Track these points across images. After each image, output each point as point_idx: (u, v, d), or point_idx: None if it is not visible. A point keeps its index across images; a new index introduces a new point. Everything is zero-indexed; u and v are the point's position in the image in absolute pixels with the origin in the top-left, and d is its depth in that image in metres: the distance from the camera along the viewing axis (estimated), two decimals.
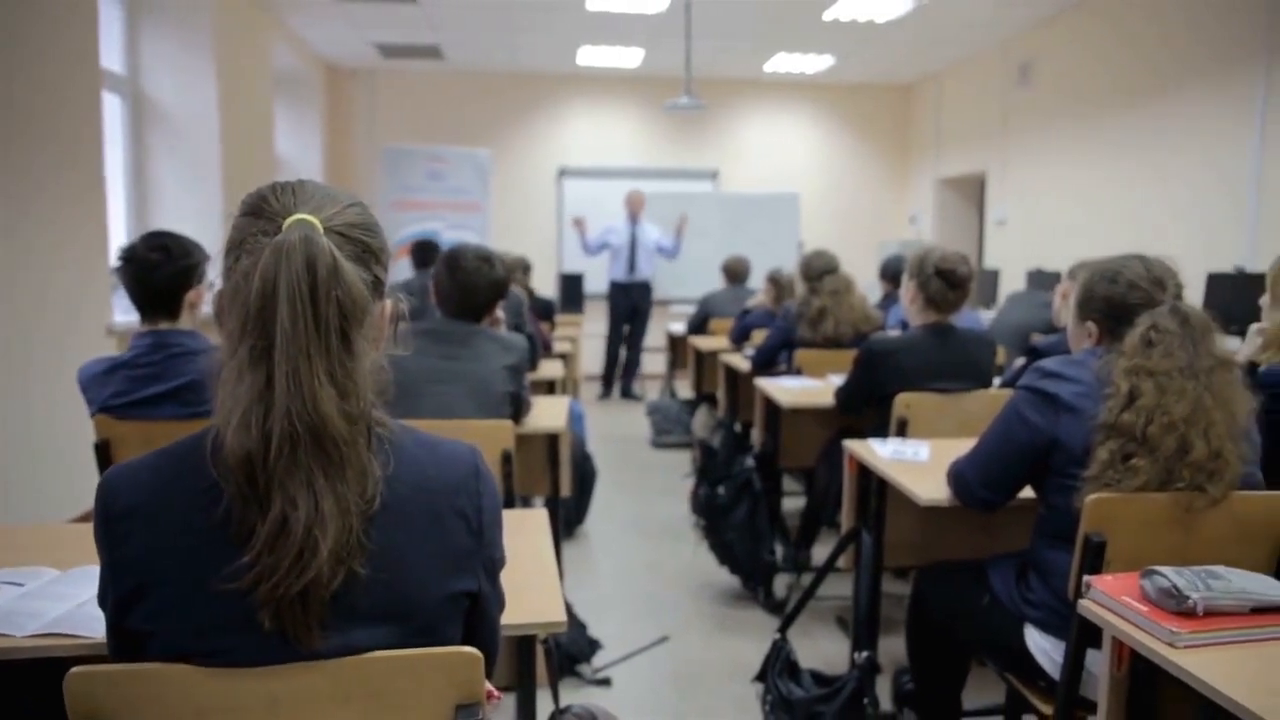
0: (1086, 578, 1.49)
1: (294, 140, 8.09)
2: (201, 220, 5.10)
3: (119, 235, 4.81)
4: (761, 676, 2.70)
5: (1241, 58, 5.07)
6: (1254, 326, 2.20)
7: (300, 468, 0.91)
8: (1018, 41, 7.42)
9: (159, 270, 2.15)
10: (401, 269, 6.86)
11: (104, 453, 2.20)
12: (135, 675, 0.95)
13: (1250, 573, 1.42)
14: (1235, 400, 1.71)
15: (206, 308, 1.43)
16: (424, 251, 5.78)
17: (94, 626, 1.29)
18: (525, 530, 1.80)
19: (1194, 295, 4.53)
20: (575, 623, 3.07)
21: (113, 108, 5.04)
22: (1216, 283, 4.78)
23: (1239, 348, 2.14)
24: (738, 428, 4.80)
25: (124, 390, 2.16)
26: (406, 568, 0.99)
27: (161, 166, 5.40)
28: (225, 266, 0.98)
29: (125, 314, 4.02)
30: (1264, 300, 2.14)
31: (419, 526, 1.01)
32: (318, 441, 0.92)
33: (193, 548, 0.94)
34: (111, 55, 4.99)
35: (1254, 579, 1.39)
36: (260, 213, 0.98)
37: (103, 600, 1.01)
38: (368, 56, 8.36)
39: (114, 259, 2.25)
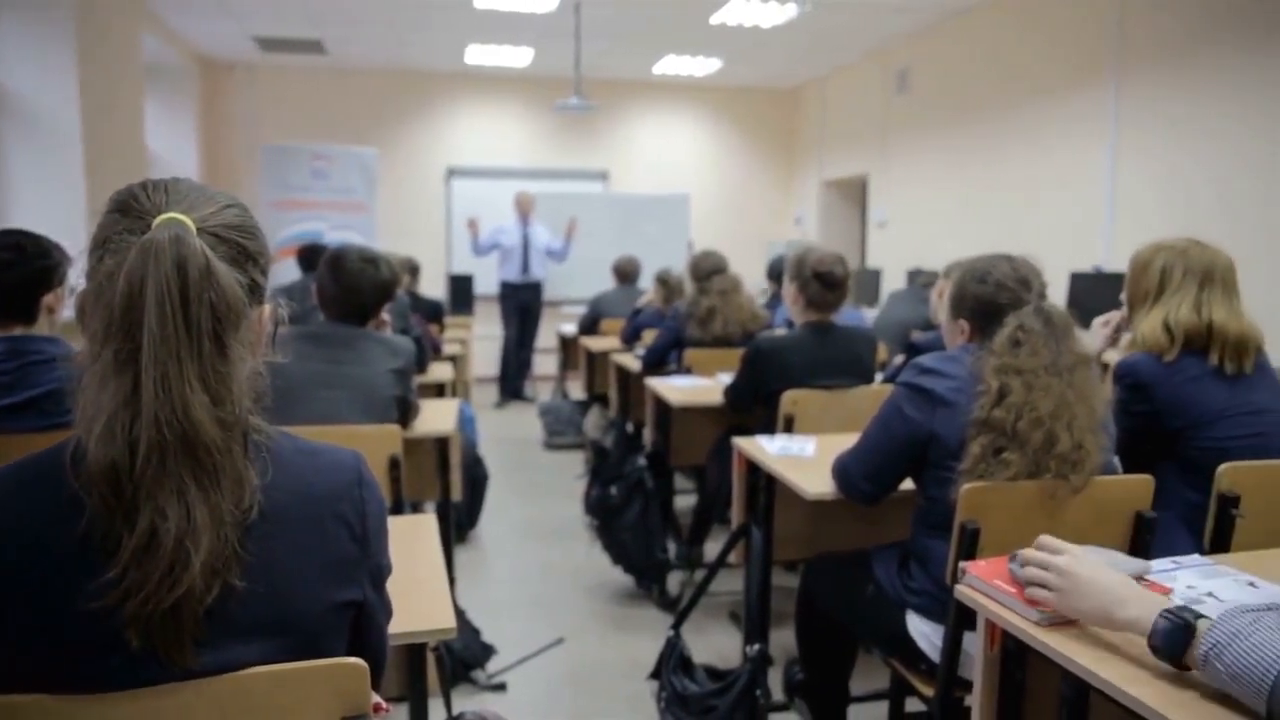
0: (962, 563, 1.55)
1: (167, 137, 7.69)
2: (63, 220, 4.78)
3: None
4: (656, 674, 2.73)
5: (1096, 73, 5.41)
6: (1098, 319, 2.35)
7: (170, 477, 0.87)
8: (896, 50, 7.71)
9: (12, 270, 2.01)
10: (284, 270, 6.62)
11: None
12: None
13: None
14: (1094, 395, 1.83)
15: (68, 312, 1.35)
16: (311, 255, 5.60)
17: None
18: (414, 536, 1.77)
19: (1058, 293, 4.83)
20: (468, 628, 3.03)
21: None
22: (1078, 281, 5.08)
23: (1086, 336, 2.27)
24: (629, 427, 4.82)
25: None
26: (287, 579, 0.96)
27: (17, 162, 5.04)
28: (89, 266, 0.93)
29: None
30: (1124, 296, 2.27)
31: (299, 536, 0.98)
32: (189, 449, 0.88)
33: (51, 566, 0.89)
34: None
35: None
36: (128, 210, 0.93)
37: None
38: (246, 50, 8.03)
39: None
